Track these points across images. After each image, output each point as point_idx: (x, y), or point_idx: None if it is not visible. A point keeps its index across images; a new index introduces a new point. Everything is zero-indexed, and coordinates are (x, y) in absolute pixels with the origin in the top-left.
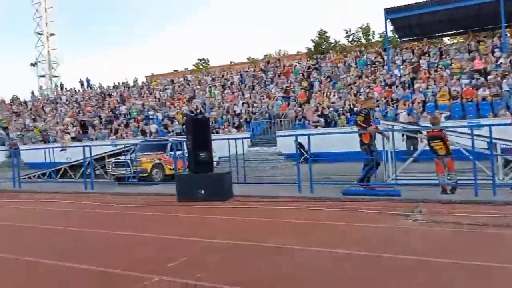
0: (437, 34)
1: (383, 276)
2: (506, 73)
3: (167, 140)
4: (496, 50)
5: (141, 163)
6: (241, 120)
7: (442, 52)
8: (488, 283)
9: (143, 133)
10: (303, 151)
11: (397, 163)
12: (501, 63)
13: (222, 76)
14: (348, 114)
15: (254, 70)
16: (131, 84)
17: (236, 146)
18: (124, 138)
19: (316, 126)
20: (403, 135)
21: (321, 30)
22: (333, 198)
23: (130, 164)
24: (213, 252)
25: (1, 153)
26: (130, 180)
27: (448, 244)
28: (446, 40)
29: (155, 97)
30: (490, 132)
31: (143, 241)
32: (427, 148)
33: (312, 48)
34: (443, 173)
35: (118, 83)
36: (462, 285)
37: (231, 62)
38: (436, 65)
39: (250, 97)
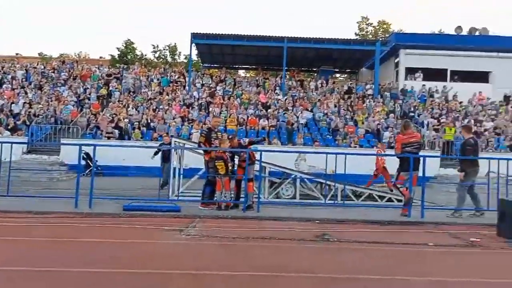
0: (234, 66)
1: None
2: (282, 108)
3: None
4: (277, 88)
5: None
6: (18, 122)
7: (236, 82)
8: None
9: None
10: (90, 162)
11: (185, 180)
12: (279, 99)
13: (2, 68)
14: (145, 128)
15: (44, 68)
16: None
17: (1, 151)
18: None
19: (109, 138)
20: None
21: (128, 40)
22: (113, 214)
23: None
24: None
25: None
26: None
27: (207, 256)
28: (241, 72)
29: None
30: (261, 156)
31: None
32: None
33: (117, 57)
34: (220, 191)
35: None
36: None
37: (17, 54)
38: (230, 93)
39: (35, 98)
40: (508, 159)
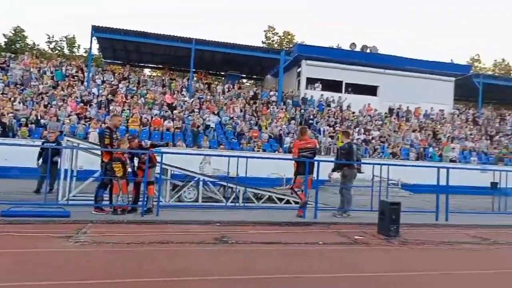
0: (139, 64)
1: None
2: (189, 110)
3: None
4: (184, 89)
5: None
6: None
7: (140, 81)
8: None
9: None
10: None
11: (78, 183)
12: (185, 101)
13: None
14: (33, 125)
15: None
16: None
17: None
18: None
19: None
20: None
21: (18, 27)
22: None
23: None
24: None
25: None
26: None
27: (96, 264)
28: (147, 71)
29: None
30: (162, 158)
31: None
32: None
33: (3, 45)
34: (117, 194)
35: None
36: None
37: None
38: (133, 92)
39: None
40: (388, 165)
